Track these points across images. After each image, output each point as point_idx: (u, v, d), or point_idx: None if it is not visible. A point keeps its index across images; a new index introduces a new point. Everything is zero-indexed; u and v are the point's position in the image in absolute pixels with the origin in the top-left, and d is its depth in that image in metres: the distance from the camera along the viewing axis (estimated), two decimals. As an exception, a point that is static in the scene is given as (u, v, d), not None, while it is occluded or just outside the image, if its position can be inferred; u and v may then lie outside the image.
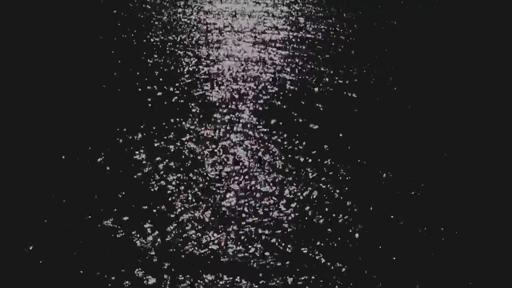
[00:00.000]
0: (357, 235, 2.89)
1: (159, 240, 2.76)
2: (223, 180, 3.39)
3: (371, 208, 3.15)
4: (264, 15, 8.42)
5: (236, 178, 3.42)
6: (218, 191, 3.26)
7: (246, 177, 3.44)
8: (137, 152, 3.68)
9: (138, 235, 2.78)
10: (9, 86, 4.75)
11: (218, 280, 2.49)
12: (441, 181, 3.51)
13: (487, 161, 3.82)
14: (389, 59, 6.32)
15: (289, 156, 3.76)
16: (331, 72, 5.69)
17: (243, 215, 3.02)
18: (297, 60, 6.07)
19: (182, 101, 4.67)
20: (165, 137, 3.94)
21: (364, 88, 5.24)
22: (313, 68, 5.79)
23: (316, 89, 5.14)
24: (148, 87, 4.95)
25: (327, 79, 5.43)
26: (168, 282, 2.46)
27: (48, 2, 8.36)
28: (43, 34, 6.54)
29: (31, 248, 2.63)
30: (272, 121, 4.35)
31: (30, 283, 2.41)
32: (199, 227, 2.89)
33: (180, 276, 2.50)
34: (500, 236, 2.95)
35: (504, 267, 2.70)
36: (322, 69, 5.78)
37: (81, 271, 2.49)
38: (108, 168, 3.44)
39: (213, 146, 3.85)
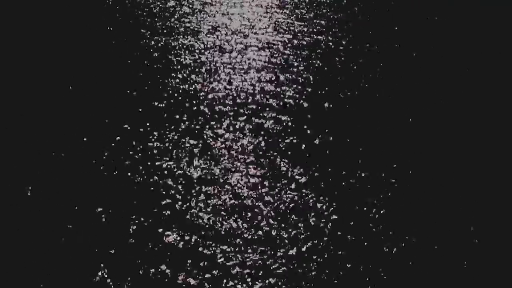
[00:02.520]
0: (358, 234, 2.90)
1: (157, 240, 2.76)
2: (222, 181, 3.40)
3: (370, 208, 3.16)
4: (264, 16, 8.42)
5: (236, 179, 3.43)
6: (217, 192, 3.26)
7: (246, 179, 3.44)
8: (138, 153, 3.68)
9: (137, 233, 2.79)
10: (7, 87, 4.74)
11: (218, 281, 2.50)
12: (441, 181, 3.51)
13: (487, 161, 3.82)
14: (388, 57, 6.33)
15: (289, 156, 3.77)
16: (331, 74, 5.70)
17: (243, 216, 3.02)
18: (296, 63, 6.07)
19: (180, 100, 4.67)
20: (164, 138, 3.94)
21: (363, 88, 5.24)
22: (312, 70, 5.79)
23: (316, 90, 5.14)
24: (146, 88, 4.95)
25: (327, 80, 5.44)
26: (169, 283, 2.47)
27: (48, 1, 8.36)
28: (41, 32, 6.54)
29: (30, 247, 2.63)
30: (273, 122, 4.35)
31: (29, 283, 2.41)
32: (199, 227, 2.89)
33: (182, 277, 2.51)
34: (500, 237, 2.95)
35: (504, 267, 2.70)
36: (321, 70, 5.79)
37: (81, 271, 2.50)
38: (107, 169, 3.45)
39: (214, 147, 3.86)
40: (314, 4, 9.51)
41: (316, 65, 5.93)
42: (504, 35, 7.74)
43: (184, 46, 6.37)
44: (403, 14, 8.99)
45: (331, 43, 6.90)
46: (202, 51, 6.22)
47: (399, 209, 3.17)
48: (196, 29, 7.25)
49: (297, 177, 3.48)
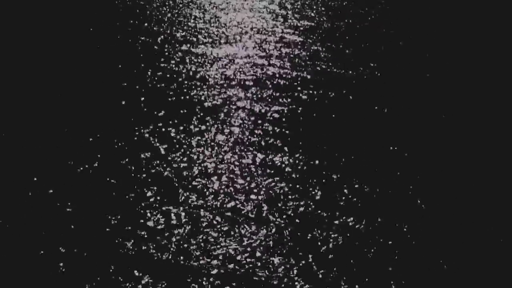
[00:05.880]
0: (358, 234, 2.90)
1: (157, 241, 2.76)
2: (222, 180, 3.39)
3: (370, 208, 3.15)
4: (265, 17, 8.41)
5: (236, 178, 3.43)
6: (216, 192, 3.26)
7: (246, 179, 3.44)
8: (138, 152, 3.68)
9: (136, 233, 2.78)
10: (6, 87, 4.75)
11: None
12: (442, 181, 3.51)
13: (488, 161, 3.81)
14: (387, 56, 6.32)
15: (290, 155, 3.76)
16: (332, 70, 5.69)
17: (243, 217, 3.02)
18: (296, 58, 6.07)
19: (182, 100, 4.67)
20: (164, 137, 3.94)
21: (363, 87, 5.24)
22: (313, 66, 5.79)
23: (315, 87, 5.14)
24: (145, 86, 4.95)
25: (327, 76, 5.43)
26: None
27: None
28: (39, 28, 6.54)
29: (29, 247, 2.63)
30: (274, 122, 4.35)
31: (29, 283, 2.41)
32: (198, 228, 2.89)
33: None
34: (500, 238, 2.95)
35: (504, 267, 2.70)
36: (322, 66, 5.78)
37: (81, 271, 2.50)
38: (107, 169, 3.45)
39: (214, 146, 3.86)
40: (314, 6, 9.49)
41: (315, 67, 5.92)
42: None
43: (179, 52, 6.37)
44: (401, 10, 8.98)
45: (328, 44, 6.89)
46: (204, 54, 6.22)
47: (399, 208, 3.17)
48: (195, 35, 7.24)
49: (297, 177, 3.48)
